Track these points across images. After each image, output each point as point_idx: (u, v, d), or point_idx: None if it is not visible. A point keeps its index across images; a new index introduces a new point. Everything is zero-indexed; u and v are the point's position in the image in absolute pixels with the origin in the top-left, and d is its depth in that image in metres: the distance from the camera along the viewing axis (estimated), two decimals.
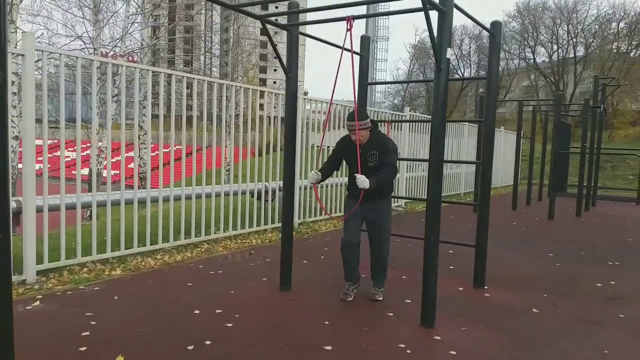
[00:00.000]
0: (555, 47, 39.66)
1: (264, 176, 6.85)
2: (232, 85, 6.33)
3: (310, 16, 4.69)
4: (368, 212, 3.98)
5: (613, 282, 4.93)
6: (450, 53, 3.56)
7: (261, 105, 7.32)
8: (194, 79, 6.10)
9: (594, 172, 11.35)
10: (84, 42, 14.93)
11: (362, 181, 3.68)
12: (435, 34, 3.38)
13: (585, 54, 37.70)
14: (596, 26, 37.21)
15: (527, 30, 40.36)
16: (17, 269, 4.17)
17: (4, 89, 1.41)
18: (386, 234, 4.13)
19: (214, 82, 6.13)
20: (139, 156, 13.76)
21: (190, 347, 3.02)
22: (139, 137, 13.20)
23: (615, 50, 35.30)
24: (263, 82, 61.24)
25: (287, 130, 4.34)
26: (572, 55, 38.64)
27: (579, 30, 38.13)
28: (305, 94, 7.73)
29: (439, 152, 3.51)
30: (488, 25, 4.47)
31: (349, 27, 3.73)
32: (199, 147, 5.92)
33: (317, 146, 7.97)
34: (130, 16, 17.02)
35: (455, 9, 3.53)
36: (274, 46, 4.05)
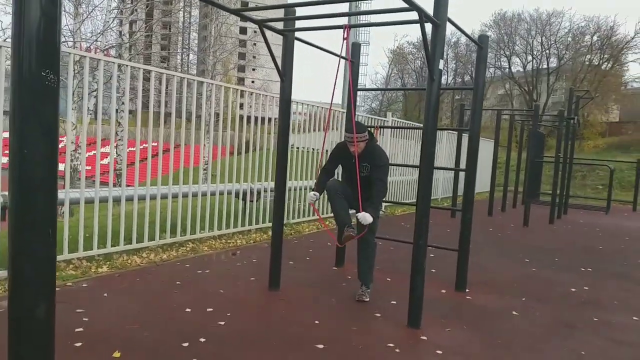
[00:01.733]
0: (529, 57, 40.74)
1: (249, 177, 6.89)
2: (212, 84, 6.32)
3: (305, 22, 4.76)
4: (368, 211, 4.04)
5: (586, 288, 5.17)
6: (441, 64, 3.70)
7: (241, 105, 7.33)
8: (173, 76, 6.06)
9: (566, 181, 11.74)
10: (64, 36, 14.65)
11: (364, 218, 3.84)
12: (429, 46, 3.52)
13: (558, 66, 38.81)
14: (569, 38, 38.35)
15: (502, 40, 41.31)
16: (2, 264, 4.12)
17: (56, 90, 1.46)
18: (373, 233, 4.25)
19: (194, 80, 6.10)
20: (117, 153, 13.59)
21: (185, 344, 3.07)
22: (116, 134, 13.05)
23: (587, 63, 36.43)
24: (241, 81, 60.92)
25: (280, 133, 4.42)
26: (545, 66, 39.74)
27: (552, 42, 39.25)
28: None
29: (430, 158, 3.65)
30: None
31: (345, 35, 3.84)
32: (176, 144, 5.89)
33: (312, 149, 8.09)
34: (112, 10, 16.79)
35: (448, 23, 3.68)
36: (271, 51, 4.12)
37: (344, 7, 19.88)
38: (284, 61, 4.28)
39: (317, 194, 4.23)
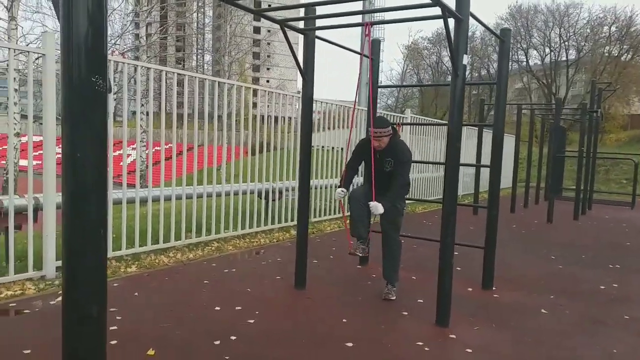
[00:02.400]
0: (547, 50, 40.10)
1: (270, 176, 6.93)
2: (232, 84, 6.35)
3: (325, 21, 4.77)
4: (383, 201, 4.02)
5: (615, 285, 5.09)
6: (465, 59, 3.67)
7: (254, 105, 7.33)
8: (195, 77, 6.14)
9: (590, 176, 11.55)
10: None
11: (375, 207, 3.86)
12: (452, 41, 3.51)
13: (577, 58, 38.15)
14: (588, 30, 37.65)
15: (519, 33, 40.72)
16: (37, 265, 4.22)
17: (104, 96, 1.50)
18: (397, 230, 4.24)
19: (218, 81, 6.15)
20: (140, 155, 13.80)
21: (217, 342, 3.11)
22: (141, 135, 13.21)
23: (607, 54, 35.74)
24: (256, 80, 61.21)
25: (302, 132, 4.44)
26: (564, 58, 39.08)
27: (570, 34, 38.58)
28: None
29: (455, 155, 3.63)
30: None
31: (366, 33, 3.85)
32: (190, 145, 5.91)
33: (332, 147, 8.10)
34: (129, 13, 17.02)
35: (470, 17, 3.66)
36: (293, 51, 4.14)
37: (360, 5, 19.82)
38: (305, 60, 4.29)
39: (345, 190, 4.23)
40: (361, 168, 4.70)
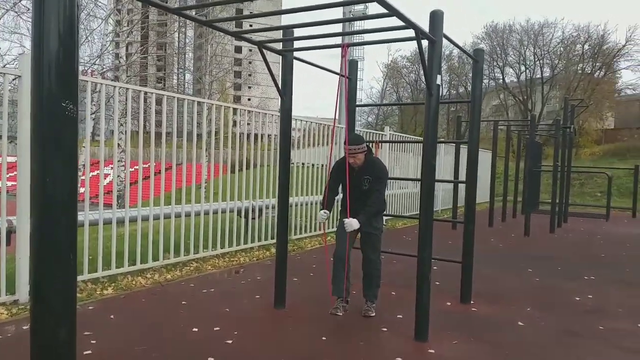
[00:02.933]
0: (523, 67, 41.12)
1: (250, 194, 6.91)
2: (212, 104, 6.38)
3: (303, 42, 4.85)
4: (363, 226, 4.09)
5: (590, 296, 5.18)
6: (439, 79, 3.76)
7: (234, 123, 7.34)
8: (174, 97, 6.14)
9: (565, 189, 11.80)
10: None
11: (350, 224, 3.94)
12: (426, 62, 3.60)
13: (552, 75, 39.19)
14: (561, 48, 38.76)
15: (495, 51, 41.73)
16: (10, 289, 4.13)
17: (75, 120, 1.51)
18: (377, 249, 4.27)
19: (194, 100, 6.17)
20: (117, 175, 13.66)
21: None
22: (119, 155, 13.09)
23: (580, 72, 36.78)
24: (238, 99, 61.29)
25: (281, 150, 4.47)
26: (539, 75, 40.10)
27: (545, 52, 39.67)
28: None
29: (430, 171, 3.70)
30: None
31: (344, 54, 3.92)
32: (169, 164, 5.91)
33: (312, 164, 8.14)
34: (109, 34, 16.97)
35: (444, 39, 3.76)
36: (271, 72, 4.19)
37: (339, 27, 20.07)
38: (284, 80, 4.35)
39: (327, 212, 4.25)
40: (341, 188, 4.74)
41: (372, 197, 4.07)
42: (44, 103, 1.54)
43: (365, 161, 4.14)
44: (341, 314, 4.09)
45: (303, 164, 8.09)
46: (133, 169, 5.27)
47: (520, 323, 4.20)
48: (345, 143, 4.17)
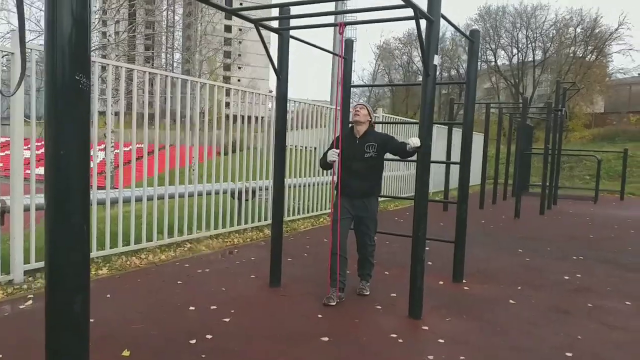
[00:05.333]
0: (515, 50, 41.06)
1: (243, 176, 6.90)
2: (205, 83, 6.33)
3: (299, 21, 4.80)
4: (358, 210, 4.13)
5: (579, 275, 5.29)
6: (437, 60, 3.76)
7: (227, 104, 7.28)
8: (167, 76, 6.08)
9: (555, 172, 11.92)
10: None
11: (415, 141, 3.73)
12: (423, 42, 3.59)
13: (544, 58, 39.20)
14: (554, 31, 38.73)
15: (488, 34, 41.57)
16: (5, 269, 4.12)
17: (88, 94, 1.52)
18: (373, 231, 4.31)
19: (189, 80, 6.13)
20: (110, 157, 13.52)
21: (193, 341, 3.12)
22: (105, 135, 12.98)
23: (571, 55, 36.83)
24: (227, 79, 60.65)
25: (277, 131, 4.47)
26: (531, 58, 40.10)
27: (537, 35, 39.62)
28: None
29: (426, 152, 3.72)
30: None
31: (340, 31, 3.90)
32: (161, 145, 5.88)
33: (305, 147, 8.12)
34: (97, 11, 16.66)
35: (441, 19, 3.75)
36: (268, 51, 4.16)
37: (333, 5, 19.83)
38: (280, 59, 4.32)
39: (337, 150, 4.05)
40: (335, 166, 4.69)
41: (397, 142, 4.13)
42: (57, 76, 1.56)
43: (366, 131, 4.16)
44: (334, 303, 3.97)
45: (295, 146, 8.07)
46: (128, 149, 5.23)
47: (511, 301, 4.29)
48: (340, 123, 4.16)
